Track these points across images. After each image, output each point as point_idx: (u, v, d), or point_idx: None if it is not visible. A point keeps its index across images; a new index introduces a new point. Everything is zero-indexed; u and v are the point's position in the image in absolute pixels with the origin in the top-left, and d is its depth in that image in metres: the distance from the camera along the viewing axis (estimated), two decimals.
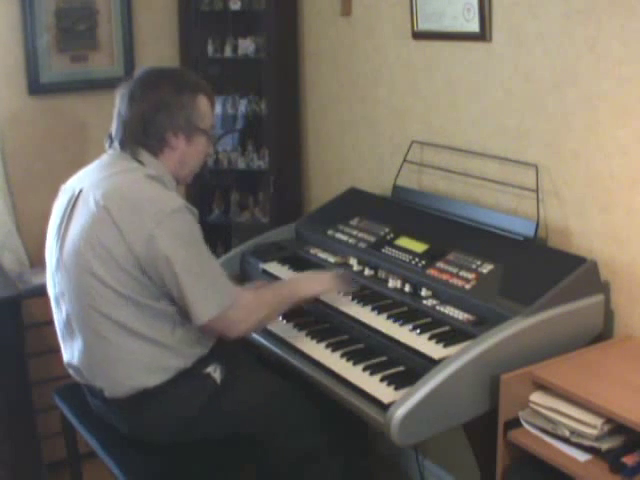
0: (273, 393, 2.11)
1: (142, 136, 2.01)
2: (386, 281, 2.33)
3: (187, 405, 1.98)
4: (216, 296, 1.94)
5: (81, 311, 1.96)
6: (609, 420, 1.73)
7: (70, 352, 2.07)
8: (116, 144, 2.04)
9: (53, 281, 2.07)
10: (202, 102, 2.08)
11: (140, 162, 2.01)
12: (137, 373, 1.94)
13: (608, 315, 2.13)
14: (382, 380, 1.95)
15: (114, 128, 2.06)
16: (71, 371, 2.11)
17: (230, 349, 2.11)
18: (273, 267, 2.58)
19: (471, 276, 2.17)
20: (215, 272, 1.98)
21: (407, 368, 2.00)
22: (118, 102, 2.05)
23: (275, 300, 2.13)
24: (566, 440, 1.78)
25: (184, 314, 1.95)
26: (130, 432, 2.03)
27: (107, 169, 2.01)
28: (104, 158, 2.08)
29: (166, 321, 1.95)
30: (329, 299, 2.29)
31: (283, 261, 2.61)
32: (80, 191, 2.00)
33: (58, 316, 2.09)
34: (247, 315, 2.02)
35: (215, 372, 2.04)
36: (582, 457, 1.74)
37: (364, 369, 2.01)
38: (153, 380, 1.95)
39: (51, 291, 2.09)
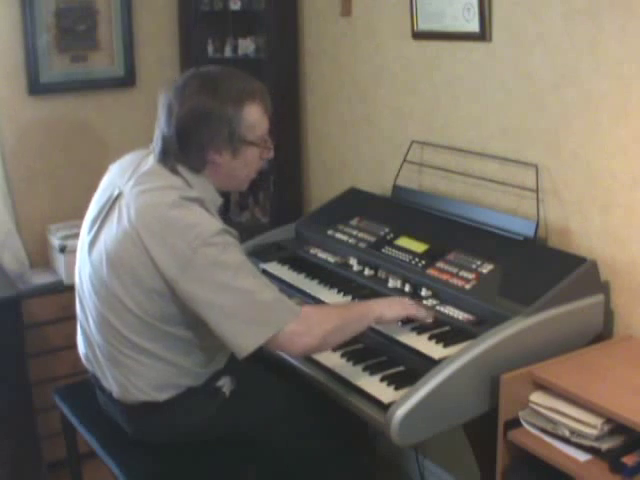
0: (274, 395, 2.11)
1: (181, 154, 1.86)
2: (386, 281, 2.33)
3: (193, 416, 1.97)
4: (263, 323, 1.78)
5: (99, 321, 1.92)
6: (609, 420, 1.73)
7: (87, 342, 2.03)
8: (156, 155, 1.90)
9: (79, 277, 2.01)
10: (251, 111, 1.88)
11: (181, 176, 1.87)
12: (148, 388, 1.91)
13: (608, 315, 2.13)
14: (382, 380, 1.95)
15: (155, 137, 1.91)
16: (83, 358, 2.09)
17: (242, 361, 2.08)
18: (273, 267, 2.57)
19: (471, 276, 2.17)
20: (262, 294, 1.80)
21: (407, 368, 2.00)
22: (159, 110, 1.89)
23: (344, 317, 1.93)
24: (566, 440, 1.78)
25: (201, 338, 1.89)
26: (132, 433, 2.02)
27: (147, 181, 1.87)
28: (149, 163, 1.92)
29: (182, 345, 1.90)
30: (327, 298, 2.29)
31: (283, 261, 2.60)
32: (119, 195, 1.89)
33: (79, 306, 2.04)
34: (309, 328, 1.83)
35: (225, 386, 2.02)
36: (582, 457, 1.74)
37: (364, 369, 2.01)
38: (163, 396, 1.92)
39: (77, 283, 2.02)
